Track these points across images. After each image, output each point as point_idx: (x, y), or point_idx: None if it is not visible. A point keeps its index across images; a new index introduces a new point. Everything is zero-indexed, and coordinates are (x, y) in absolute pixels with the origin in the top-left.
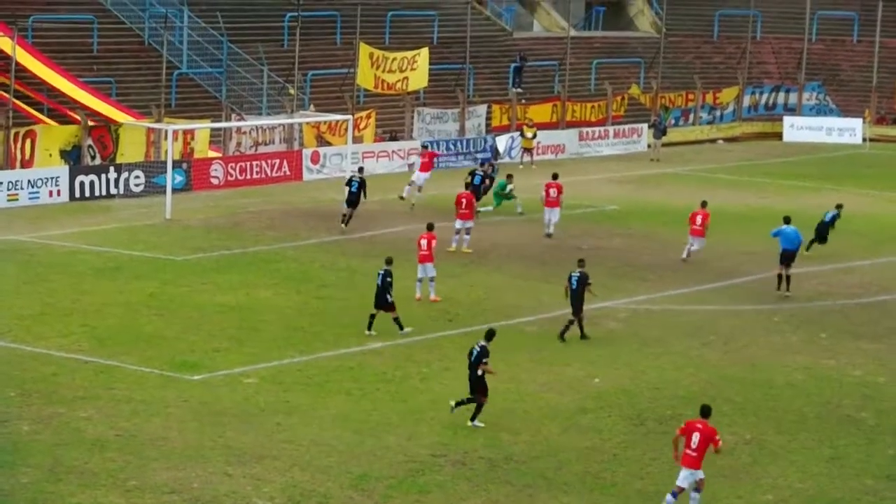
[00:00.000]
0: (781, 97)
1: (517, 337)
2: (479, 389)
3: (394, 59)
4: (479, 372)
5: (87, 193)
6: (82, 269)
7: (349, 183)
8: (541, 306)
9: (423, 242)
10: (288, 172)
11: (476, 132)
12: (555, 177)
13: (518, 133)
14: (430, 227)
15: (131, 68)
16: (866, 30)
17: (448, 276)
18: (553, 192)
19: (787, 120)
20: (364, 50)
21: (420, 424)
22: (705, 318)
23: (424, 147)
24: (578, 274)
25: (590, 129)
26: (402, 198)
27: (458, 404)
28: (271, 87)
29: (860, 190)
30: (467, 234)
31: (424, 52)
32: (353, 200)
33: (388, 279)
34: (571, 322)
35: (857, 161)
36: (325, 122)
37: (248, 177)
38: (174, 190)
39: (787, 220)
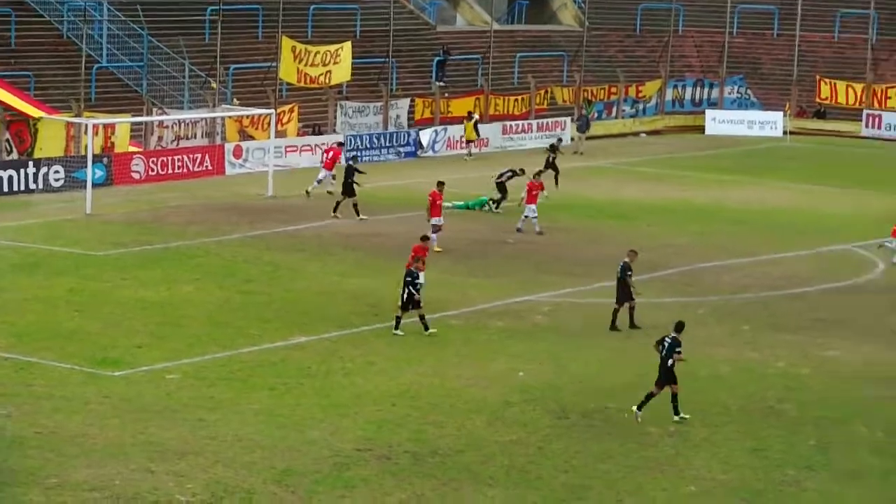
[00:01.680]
0: (704, 91)
1: (443, 331)
2: (669, 380)
3: (316, 52)
4: (670, 363)
5: (6, 188)
6: (0, 265)
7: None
8: (466, 300)
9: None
10: (210, 167)
11: (397, 126)
12: (534, 175)
13: (471, 122)
14: (422, 239)
15: (50, 62)
16: (786, 23)
17: (376, 272)
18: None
19: (709, 113)
20: (286, 44)
21: (344, 419)
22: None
23: (341, 144)
24: (622, 263)
25: (513, 123)
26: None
27: (640, 407)
28: (193, 81)
29: (781, 182)
30: (437, 231)
31: (347, 45)
32: (343, 188)
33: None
34: (632, 309)
35: (777, 154)
36: (247, 117)
37: (170, 171)
38: (94, 185)
39: None
